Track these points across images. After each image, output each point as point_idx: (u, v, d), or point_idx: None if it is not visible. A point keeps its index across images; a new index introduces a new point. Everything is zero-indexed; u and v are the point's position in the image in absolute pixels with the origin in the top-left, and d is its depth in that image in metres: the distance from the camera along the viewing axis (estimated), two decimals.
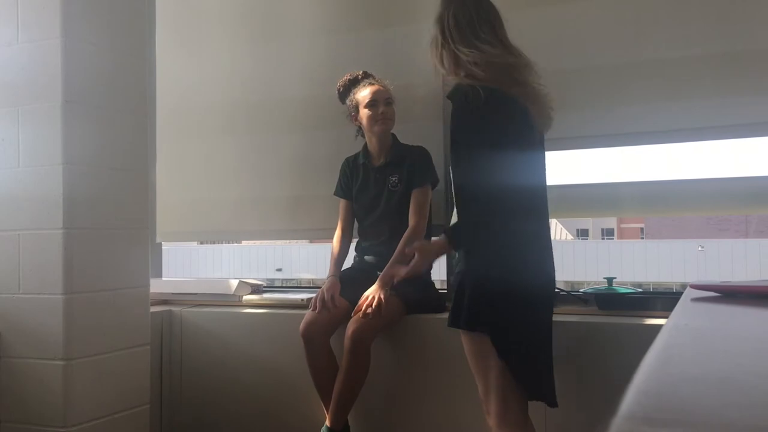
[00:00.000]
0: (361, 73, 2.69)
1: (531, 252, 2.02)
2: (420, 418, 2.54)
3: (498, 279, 1.95)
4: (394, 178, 2.61)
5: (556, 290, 2.22)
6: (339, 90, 2.71)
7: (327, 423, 2.46)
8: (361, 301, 2.41)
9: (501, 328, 1.93)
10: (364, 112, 2.60)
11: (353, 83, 2.67)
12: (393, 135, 2.68)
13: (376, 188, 2.65)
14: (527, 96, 2.00)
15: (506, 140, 1.94)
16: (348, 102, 2.67)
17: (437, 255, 2.15)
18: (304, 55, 3.08)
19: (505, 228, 1.95)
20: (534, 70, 2.04)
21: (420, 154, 2.61)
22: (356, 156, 2.73)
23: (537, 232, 2.05)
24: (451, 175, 2.00)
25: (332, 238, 2.74)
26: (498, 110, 1.93)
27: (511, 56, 2.03)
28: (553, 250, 2.10)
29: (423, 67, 2.84)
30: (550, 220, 2.18)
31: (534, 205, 2.05)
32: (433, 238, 2.50)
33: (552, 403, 1.99)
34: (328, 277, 2.61)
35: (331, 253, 2.71)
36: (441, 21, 2.07)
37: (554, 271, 2.09)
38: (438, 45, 2.07)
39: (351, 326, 2.38)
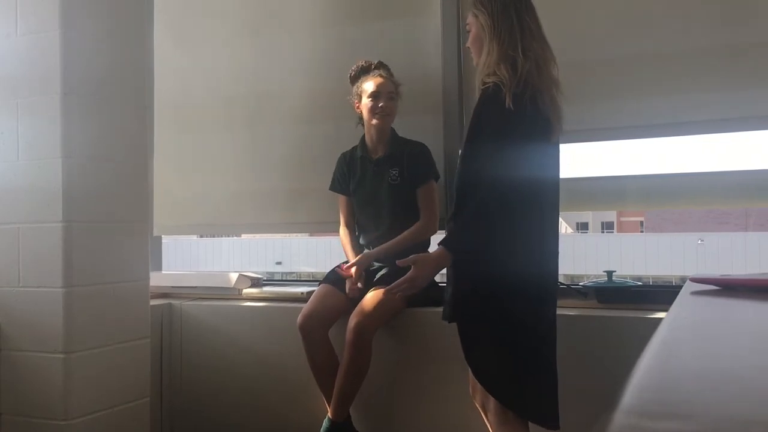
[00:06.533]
0: (375, 62, 2.68)
1: (534, 251, 1.97)
2: (420, 409, 2.54)
3: (498, 277, 1.93)
4: (394, 171, 2.60)
5: (560, 285, 2.18)
6: (351, 75, 2.70)
7: (329, 415, 2.47)
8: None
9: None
10: (365, 103, 2.60)
11: (364, 71, 2.67)
12: (392, 128, 2.67)
13: (374, 182, 2.64)
14: (552, 95, 1.97)
15: (530, 138, 1.91)
16: (354, 89, 2.66)
17: (436, 267, 2.01)
18: (303, 48, 3.07)
19: (512, 223, 1.92)
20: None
21: (421, 150, 2.61)
22: (353, 150, 2.73)
23: (544, 230, 1.99)
24: (463, 166, 1.97)
25: (332, 231, 2.74)
26: (526, 110, 1.87)
27: (547, 50, 2.00)
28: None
29: (423, 60, 2.85)
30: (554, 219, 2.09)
31: (544, 203, 1.99)
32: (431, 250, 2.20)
33: (551, 426, 1.95)
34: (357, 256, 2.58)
35: (342, 246, 2.70)
36: (488, 8, 1.99)
37: (553, 273, 2.03)
38: (481, 34, 2.00)
39: (353, 319, 2.38)
